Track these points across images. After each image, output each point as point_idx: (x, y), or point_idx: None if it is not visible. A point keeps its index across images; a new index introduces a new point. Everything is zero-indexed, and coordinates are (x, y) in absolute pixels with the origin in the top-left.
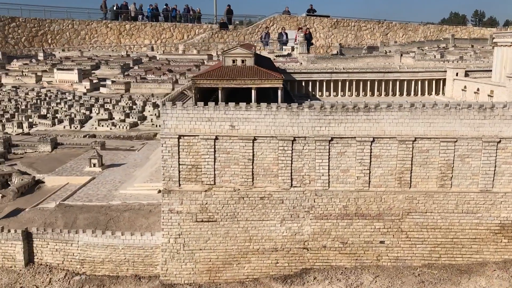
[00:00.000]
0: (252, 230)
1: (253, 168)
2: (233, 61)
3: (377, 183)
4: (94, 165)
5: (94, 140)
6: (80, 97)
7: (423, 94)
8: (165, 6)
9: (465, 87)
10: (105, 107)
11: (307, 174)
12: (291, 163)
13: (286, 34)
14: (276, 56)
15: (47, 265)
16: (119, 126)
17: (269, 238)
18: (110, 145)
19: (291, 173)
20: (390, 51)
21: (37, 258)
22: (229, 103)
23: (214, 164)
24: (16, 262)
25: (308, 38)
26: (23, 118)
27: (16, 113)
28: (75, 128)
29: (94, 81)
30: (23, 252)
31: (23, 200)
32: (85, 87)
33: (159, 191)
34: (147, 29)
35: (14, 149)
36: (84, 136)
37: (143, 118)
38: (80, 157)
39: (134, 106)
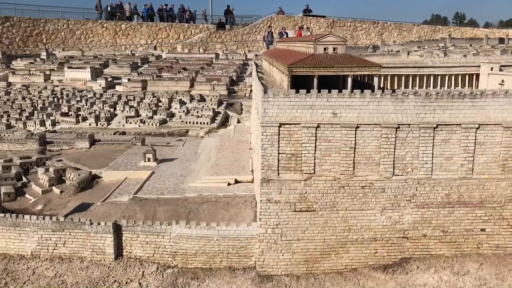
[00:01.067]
0: (351, 219)
1: (354, 156)
2: (325, 49)
3: (480, 170)
4: (149, 159)
5: (133, 136)
6: (101, 95)
7: (456, 88)
8: (164, 6)
9: (502, 81)
10: (130, 104)
11: (410, 162)
12: (394, 151)
13: (287, 33)
14: None
15: (136, 258)
16: (148, 123)
17: (368, 227)
18: (146, 142)
19: (394, 161)
20: (392, 50)
21: (126, 252)
22: (331, 90)
23: (315, 153)
24: (105, 256)
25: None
26: (45, 116)
27: (35, 111)
28: (102, 125)
29: (109, 80)
30: (114, 245)
31: (85, 195)
32: (100, 85)
33: (229, 184)
34: (143, 29)
35: (49, 146)
36: (115, 133)
37: (171, 115)
38: (128, 152)
39: (160, 103)
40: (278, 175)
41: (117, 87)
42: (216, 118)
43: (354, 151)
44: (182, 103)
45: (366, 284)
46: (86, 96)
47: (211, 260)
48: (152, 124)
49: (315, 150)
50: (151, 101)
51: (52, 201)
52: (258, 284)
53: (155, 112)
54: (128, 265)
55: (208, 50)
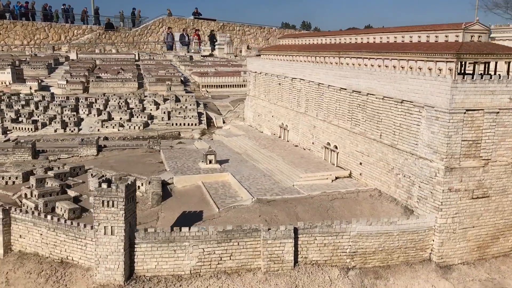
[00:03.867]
0: None
1: None
2: (471, 37)
3: None
4: (210, 161)
5: (150, 139)
6: (54, 98)
7: None
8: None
9: None
10: (96, 107)
11: None
12: None
13: (188, 35)
14: (203, 56)
15: (313, 263)
16: (130, 127)
17: None
18: (132, 145)
19: None
20: None
21: (302, 257)
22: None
23: (493, 139)
24: (283, 264)
25: (212, 39)
26: None
27: None
28: (72, 131)
29: (42, 82)
30: (293, 251)
31: (173, 203)
32: (30, 88)
33: (332, 180)
34: (17, 28)
35: (42, 155)
36: (101, 138)
37: (151, 117)
38: (168, 155)
39: (133, 106)
40: (459, 163)
41: (53, 90)
42: (201, 119)
43: None
44: (156, 104)
45: None
46: (32, 100)
47: (389, 257)
48: (134, 127)
49: (494, 136)
50: (118, 103)
51: None
52: (444, 276)
53: (131, 115)
54: (309, 272)
55: (89, 51)
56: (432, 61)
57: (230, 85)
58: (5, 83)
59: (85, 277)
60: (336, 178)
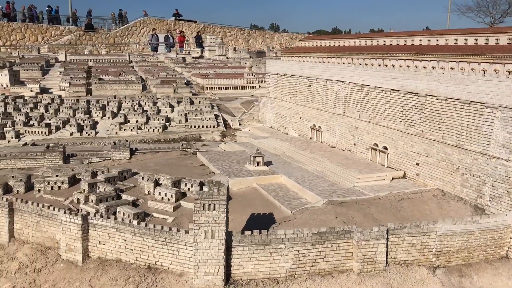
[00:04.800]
0: None
1: None
2: (509, 39)
3: None
4: (258, 163)
5: (183, 143)
6: (63, 101)
7: None
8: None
9: None
10: (111, 110)
11: None
12: None
13: (173, 37)
14: (194, 58)
15: (401, 263)
16: (149, 129)
17: None
18: (165, 147)
19: None
20: (277, 54)
21: (391, 257)
22: None
23: None
24: (376, 265)
25: (198, 40)
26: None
27: None
28: (88, 134)
29: (42, 84)
30: (385, 252)
31: (236, 205)
32: (31, 90)
33: (390, 181)
34: None
35: (72, 159)
36: (118, 142)
37: (168, 120)
38: (193, 159)
39: (147, 108)
40: None
41: (56, 92)
42: (218, 121)
43: None
44: (170, 106)
45: None
46: (41, 103)
47: (470, 255)
48: (153, 130)
49: None
50: (131, 106)
51: (187, 217)
52: None
53: (149, 118)
54: (401, 272)
55: (78, 52)
56: (500, 63)
57: (234, 87)
58: (2, 85)
59: (179, 283)
60: (392, 178)
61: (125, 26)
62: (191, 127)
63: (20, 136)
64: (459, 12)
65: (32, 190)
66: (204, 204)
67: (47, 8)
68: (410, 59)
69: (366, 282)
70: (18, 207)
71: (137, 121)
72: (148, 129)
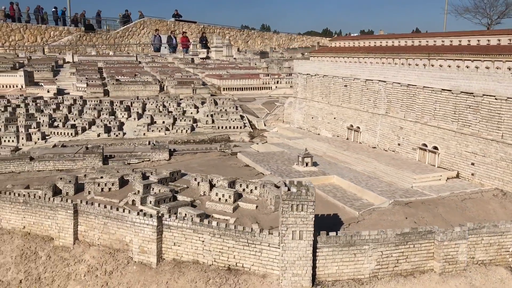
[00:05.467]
0: None
1: None
2: None
3: None
4: (307, 164)
5: (222, 143)
6: (85, 102)
7: None
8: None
9: None
10: (135, 110)
11: None
12: None
13: (175, 37)
14: (202, 59)
15: (479, 263)
16: (177, 130)
17: None
18: (196, 149)
19: None
20: (275, 57)
21: (469, 257)
22: None
23: None
24: (457, 265)
25: (203, 41)
26: (22, 130)
27: (1, 124)
28: (116, 135)
29: (58, 86)
30: (466, 252)
31: None
32: (48, 91)
33: (446, 180)
34: None
35: (110, 160)
36: (148, 144)
37: (194, 121)
38: (234, 159)
39: (172, 109)
40: None
41: (74, 93)
42: (244, 122)
43: None
44: (195, 107)
45: None
46: (63, 103)
47: None
48: (182, 131)
49: None
50: (155, 107)
51: (248, 218)
52: None
53: (175, 119)
54: (481, 272)
55: (82, 53)
56: None
57: (250, 88)
58: (16, 86)
59: (264, 284)
60: (447, 179)
61: (125, 26)
62: (218, 128)
63: (46, 137)
64: (456, 13)
65: (81, 191)
66: (292, 204)
67: (53, 9)
68: (461, 59)
69: (449, 282)
70: (83, 209)
71: (163, 122)
72: (177, 130)
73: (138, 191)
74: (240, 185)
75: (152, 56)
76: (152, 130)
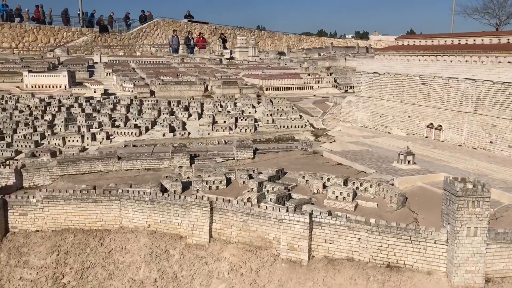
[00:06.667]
0: None
1: None
2: None
3: None
4: (409, 162)
5: (303, 142)
6: (142, 102)
7: None
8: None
9: None
10: (195, 110)
11: None
12: None
13: (193, 38)
14: (228, 59)
15: None
16: (241, 129)
17: None
18: (277, 147)
19: None
20: (294, 57)
21: None
22: None
23: None
24: None
25: (223, 41)
26: (84, 130)
27: (61, 124)
28: (182, 135)
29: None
30: None
31: (418, 204)
32: (94, 91)
33: None
34: (5, 30)
35: (195, 159)
36: (218, 143)
37: (255, 120)
38: (321, 158)
39: (230, 109)
40: None
41: (119, 93)
42: (304, 121)
43: None
44: (252, 106)
45: None
46: (120, 103)
47: None
48: (245, 130)
49: None
50: (213, 106)
51: (371, 216)
52: None
53: (236, 119)
54: None
55: (93, 53)
56: None
57: (292, 88)
58: (60, 86)
59: (431, 281)
60: None
61: (139, 27)
62: (280, 127)
63: (110, 137)
64: (465, 14)
65: (185, 189)
66: (468, 201)
67: (78, 12)
68: None
69: None
70: (219, 206)
71: (224, 122)
72: (240, 129)
73: (252, 188)
74: (353, 183)
75: (183, 57)
76: (217, 130)
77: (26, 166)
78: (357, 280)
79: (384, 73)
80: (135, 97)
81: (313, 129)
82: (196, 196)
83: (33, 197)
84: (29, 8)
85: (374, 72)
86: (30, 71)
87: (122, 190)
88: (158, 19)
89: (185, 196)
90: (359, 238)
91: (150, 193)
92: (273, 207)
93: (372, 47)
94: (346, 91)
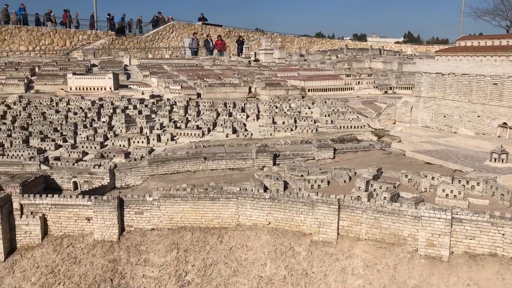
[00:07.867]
0: None
1: None
2: None
3: None
4: (503, 160)
5: (382, 141)
6: (197, 103)
7: None
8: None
9: None
10: (252, 111)
11: None
12: None
13: (212, 41)
14: (254, 61)
15: None
16: (303, 130)
17: None
18: (355, 147)
19: None
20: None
21: None
22: None
23: None
24: None
25: (241, 43)
26: (147, 131)
27: (121, 126)
28: (245, 136)
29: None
30: None
31: None
32: (142, 93)
33: None
34: (22, 33)
35: (277, 159)
36: (284, 144)
37: (314, 121)
38: (402, 157)
39: (286, 110)
40: None
41: (167, 96)
42: (363, 122)
43: None
44: (308, 107)
45: None
46: (176, 105)
47: None
48: (307, 131)
49: None
50: (270, 107)
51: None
52: None
53: (295, 120)
54: None
55: (111, 55)
56: None
57: (333, 89)
58: (105, 88)
59: None
60: None
61: (155, 30)
62: (340, 127)
63: (174, 138)
64: (475, 15)
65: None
66: None
67: (107, 16)
68: None
69: None
70: (347, 204)
71: (283, 123)
72: (302, 130)
73: (360, 187)
74: (459, 181)
75: (215, 59)
76: (279, 131)
77: (118, 166)
78: (504, 275)
79: (449, 74)
80: (190, 99)
81: (373, 130)
82: (309, 194)
83: (149, 196)
84: (54, 12)
85: (437, 73)
86: (74, 73)
87: (240, 188)
88: (173, 22)
89: (308, 194)
90: (503, 234)
91: (271, 191)
92: (407, 205)
93: (385, 49)
94: (386, 92)
